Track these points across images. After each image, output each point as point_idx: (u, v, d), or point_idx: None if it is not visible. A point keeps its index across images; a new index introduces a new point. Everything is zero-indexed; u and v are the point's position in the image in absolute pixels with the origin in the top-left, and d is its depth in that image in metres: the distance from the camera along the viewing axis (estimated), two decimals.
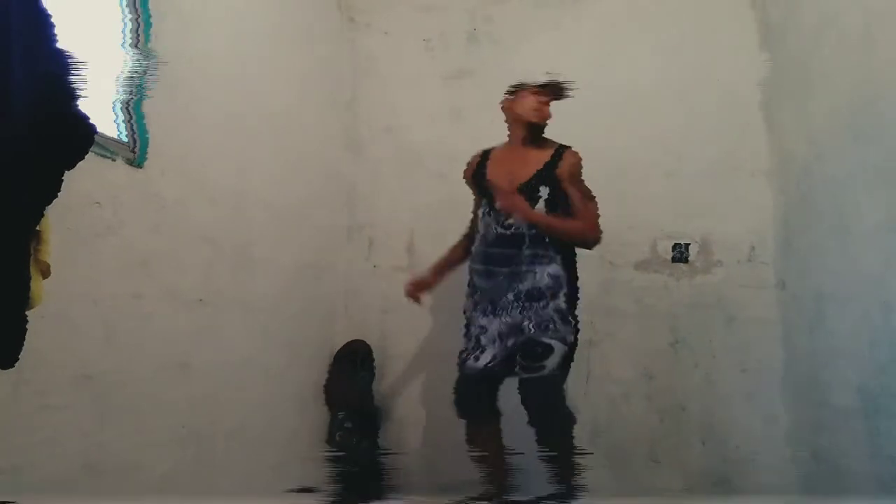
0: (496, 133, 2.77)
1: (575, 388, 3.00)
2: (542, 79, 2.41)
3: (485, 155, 2.54)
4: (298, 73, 2.75)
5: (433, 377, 2.94)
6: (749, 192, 3.03)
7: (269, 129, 2.44)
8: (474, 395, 2.35)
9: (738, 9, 3.13)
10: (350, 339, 3.06)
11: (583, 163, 2.43)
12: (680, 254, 3.04)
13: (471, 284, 2.44)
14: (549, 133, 2.92)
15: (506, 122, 2.50)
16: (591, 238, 2.41)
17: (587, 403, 3.00)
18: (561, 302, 2.31)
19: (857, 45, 2.24)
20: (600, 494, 2.93)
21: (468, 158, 2.79)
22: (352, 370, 2.99)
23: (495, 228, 2.36)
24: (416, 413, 3.04)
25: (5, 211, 1.05)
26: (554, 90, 2.42)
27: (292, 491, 2.31)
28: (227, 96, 2.14)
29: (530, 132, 2.44)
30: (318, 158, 2.96)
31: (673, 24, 3.17)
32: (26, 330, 1.09)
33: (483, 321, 2.35)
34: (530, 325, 2.25)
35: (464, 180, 2.57)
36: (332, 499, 2.54)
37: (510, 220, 2.33)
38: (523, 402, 2.23)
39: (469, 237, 2.54)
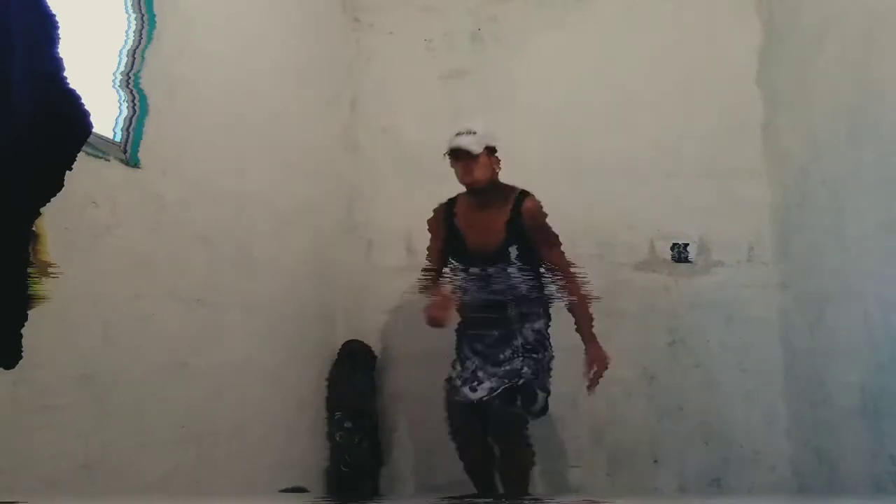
0: (496, 133, 2.77)
1: (575, 388, 3.00)
2: (451, 146, 2.36)
3: (448, 209, 2.55)
4: (299, 73, 2.75)
5: (433, 377, 2.94)
6: (748, 193, 3.03)
7: (269, 129, 2.44)
8: (471, 422, 2.46)
9: (739, 9, 3.14)
10: (350, 339, 3.06)
11: (541, 206, 2.43)
12: (679, 254, 3.04)
13: (462, 346, 2.52)
14: (551, 129, 2.93)
15: None
16: (577, 284, 2.47)
17: (587, 403, 3.00)
18: (549, 351, 2.49)
19: (857, 45, 2.24)
20: (600, 494, 2.93)
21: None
22: (351, 370, 2.98)
23: (477, 296, 2.45)
24: (416, 413, 3.04)
25: (5, 211, 1.05)
26: (457, 154, 2.37)
27: (285, 491, 2.31)
28: (226, 96, 2.13)
29: (475, 194, 2.45)
30: (318, 158, 2.96)
31: (674, 25, 3.17)
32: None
33: (477, 362, 2.45)
34: (529, 373, 2.38)
35: (427, 229, 2.60)
36: (330, 499, 2.55)
37: (492, 288, 2.43)
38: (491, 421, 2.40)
39: (437, 274, 2.56)
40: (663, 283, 3.04)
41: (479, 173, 2.38)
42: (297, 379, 2.67)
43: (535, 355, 2.41)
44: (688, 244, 3.04)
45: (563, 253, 2.45)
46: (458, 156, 2.37)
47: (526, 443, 2.46)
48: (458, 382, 2.45)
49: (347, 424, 2.88)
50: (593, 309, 2.51)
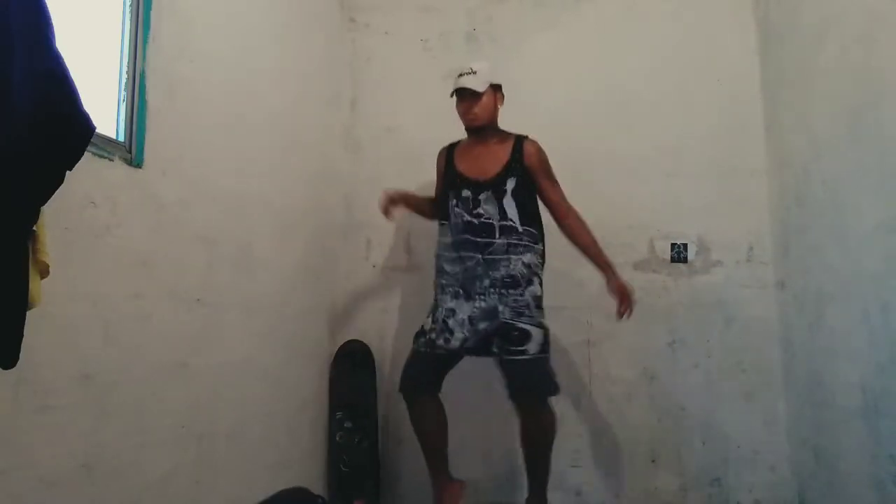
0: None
1: (576, 389, 3.01)
2: (454, 87, 2.49)
3: (451, 148, 2.65)
4: (298, 73, 2.75)
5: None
6: (748, 192, 3.03)
7: (269, 129, 2.44)
8: (428, 373, 2.46)
9: (738, 9, 3.14)
10: (350, 339, 3.06)
11: (543, 147, 2.52)
12: (679, 254, 3.04)
13: (439, 270, 2.54)
14: (550, 129, 2.93)
15: None
16: (577, 215, 2.50)
17: (587, 403, 3.01)
18: (536, 288, 2.43)
19: (857, 45, 2.24)
20: (600, 494, 2.94)
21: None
22: (351, 370, 2.99)
23: (464, 217, 2.45)
24: None
25: (5, 211, 1.05)
26: (461, 94, 2.49)
27: (285, 491, 2.31)
28: (227, 96, 2.13)
29: (476, 134, 2.55)
30: (318, 158, 2.96)
31: (673, 24, 3.18)
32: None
33: (451, 304, 2.44)
34: (506, 311, 2.35)
35: (436, 170, 2.70)
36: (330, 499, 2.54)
37: (479, 210, 2.43)
38: (508, 382, 2.37)
39: (434, 204, 2.68)
40: (663, 283, 3.04)
41: (480, 110, 2.48)
42: (297, 379, 2.67)
43: (510, 290, 2.37)
44: (687, 244, 3.04)
45: (562, 193, 2.51)
46: (463, 95, 2.48)
47: (549, 408, 2.44)
48: (431, 336, 2.43)
49: (347, 424, 2.89)
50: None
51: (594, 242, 2.47)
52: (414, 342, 2.52)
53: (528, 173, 2.47)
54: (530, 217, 2.47)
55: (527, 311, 2.36)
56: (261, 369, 2.31)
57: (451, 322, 2.41)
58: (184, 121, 1.89)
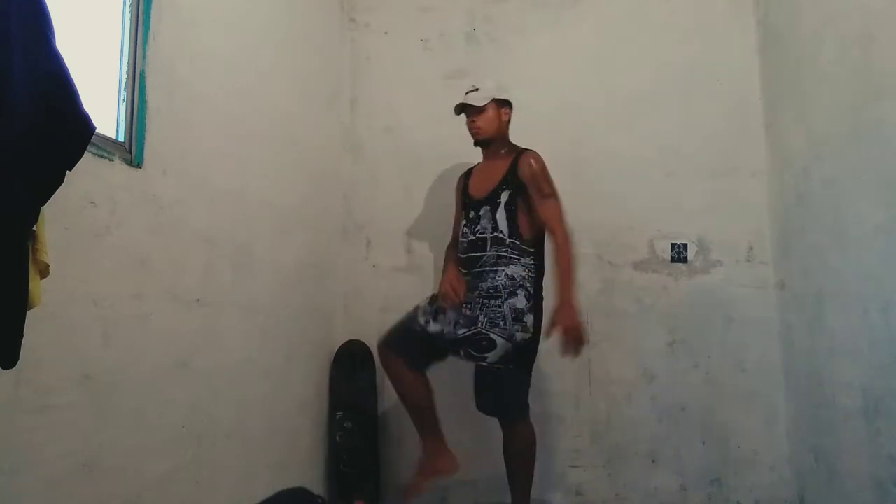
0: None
1: (576, 389, 3.01)
2: (459, 101, 2.59)
3: (466, 175, 2.74)
4: (298, 73, 2.75)
5: (432, 377, 2.94)
6: (748, 192, 3.03)
7: (269, 129, 2.44)
8: (410, 341, 2.48)
9: (738, 9, 3.14)
10: (350, 339, 3.06)
11: (543, 160, 2.50)
12: (678, 254, 3.05)
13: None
14: (549, 129, 2.93)
15: None
16: (563, 237, 2.44)
17: (587, 403, 3.01)
18: (518, 301, 2.41)
19: (856, 45, 2.24)
20: (600, 494, 2.94)
21: (466, 158, 2.82)
22: (351, 370, 2.99)
23: (469, 237, 2.55)
24: None
25: (5, 211, 1.05)
26: (465, 108, 2.60)
27: (285, 491, 2.31)
28: (227, 96, 2.13)
29: (483, 150, 2.65)
30: (318, 158, 2.96)
31: (673, 25, 3.18)
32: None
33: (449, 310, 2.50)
34: (485, 321, 2.39)
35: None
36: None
37: (478, 227, 2.51)
38: (474, 392, 2.46)
39: (454, 244, 2.73)
40: (663, 283, 3.04)
41: (482, 123, 2.58)
42: (297, 379, 2.67)
43: (491, 301, 2.40)
44: (687, 244, 3.04)
45: (556, 207, 2.46)
46: (466, 111, 2.60)
47: (523, 424, 2.47)
48: (421, 315, 2.50)
49: (347, 424, 2.89)
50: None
51: (567, 271, 2.38)
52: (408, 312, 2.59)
53: (523, 186, 2.49)
54: (522, 229, 2.48)
55: (501, 323, 2.37)
56: (261, 369, 2.31)
57: (440, 315, 2.47)
58: (184, 121, 1.89)
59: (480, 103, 2.55)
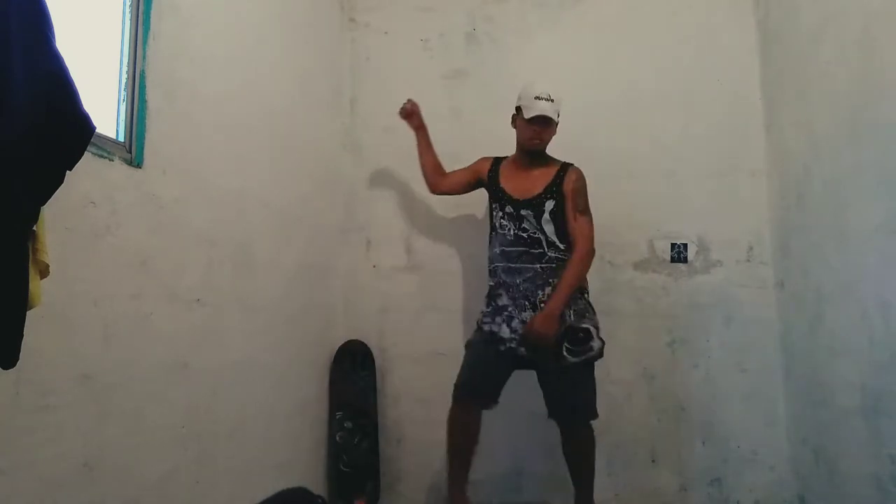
0: (494, 133, 2.78)
1: None
2: (535, 112, 2.50)
3: (496, 162, 2.71)
4: (298, 73, 2.75)
5: (432, 377, 2.94)
6: (748, 192, 3.03)
7: (269, 129, 2.44)
8: (489, 378, 2.46)
9: (738, 9, 3.14)
10: (350, 339, 3.06)
11: (585, 177, 2.56)
12: (678, 254, 3.04)
13: (496, 278, 2.57)
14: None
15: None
16: (583, 252, 2.50)
17: None
18: (587, 294, 2.53)
19: (856, 45, 2.24)
20: (600, 494, 2.93)
21: (468, 158, 2.82)
22: (351, 370, 2.99)
23: (512, 231, 2.53)
24: (416, 413, 3.04)
25: (5, 211, 1.05)
26: (542, 121, 2.52)
27: (285, 491, 2.31)
28: (227, 96, 2.13)
29: (529, 155, 2.62)
30: (318, 158, 2.96)
31: (673, 24, 3.17)
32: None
33: (511, 309, 2.48)
34: (570, 314, 2.40)
35: (479, 171, 2.74)
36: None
37: (524, 225, 2.52)
38: (554, 396, 2.42)
39: (437, 163, 2.86)
40: (663, 283, 3.04)
41: (547, 136, 2.57)
42: (297, 379, 2.67)
43: (574, 295, 2.43)
44: (687, 244, 3.04)
45: (589, 224, 2.52)
46: (537, 120, 2.50)
47: (590, 427, 2.47)
48: (488, 319, 2.50)
49: (347, 424, 2.89)
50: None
51: (569, 283, 2.42)
52: (466, 346, 2.58)
53: (564, 197, 2.52)
54: (567, 236, 2.54)
55: (587, 314, 2.45)
56: (261, 369, 2.31)
57: (504, 321, 2.47)
58: (184, 121, 1.89)
59: (557, 118, 2.53)
